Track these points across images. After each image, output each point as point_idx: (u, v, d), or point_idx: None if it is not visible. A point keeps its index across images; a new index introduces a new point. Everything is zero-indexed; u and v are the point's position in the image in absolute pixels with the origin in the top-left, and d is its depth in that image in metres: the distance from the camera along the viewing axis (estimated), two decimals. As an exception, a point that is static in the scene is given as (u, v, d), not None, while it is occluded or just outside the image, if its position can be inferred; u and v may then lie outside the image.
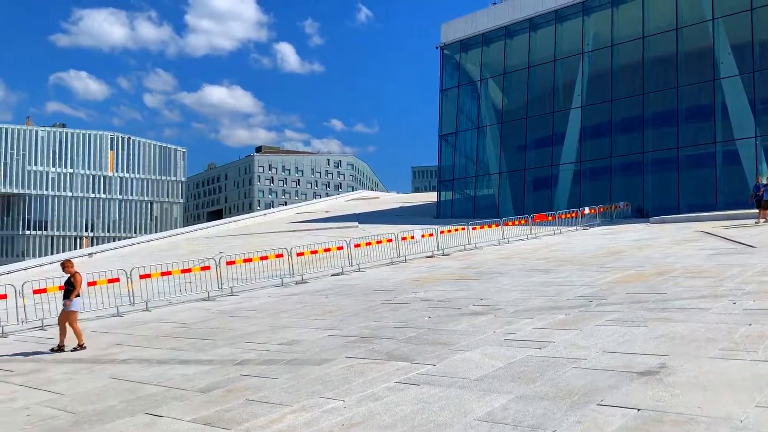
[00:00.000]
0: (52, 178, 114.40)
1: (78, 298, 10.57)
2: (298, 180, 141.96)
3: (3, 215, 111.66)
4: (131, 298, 14.77)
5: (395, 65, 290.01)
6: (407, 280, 15.43)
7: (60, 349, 10.28)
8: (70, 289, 10.51)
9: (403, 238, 20.67)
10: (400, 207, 50.52)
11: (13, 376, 8.64)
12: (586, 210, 28.24)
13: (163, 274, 15.56)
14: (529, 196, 38.08)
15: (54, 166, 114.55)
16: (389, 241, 20.29)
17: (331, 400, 5.89)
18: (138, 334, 11.36)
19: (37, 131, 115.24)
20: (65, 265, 10.86)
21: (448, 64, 43.40)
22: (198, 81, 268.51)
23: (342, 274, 18.30)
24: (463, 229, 22.59)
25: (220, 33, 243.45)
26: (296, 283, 17.14)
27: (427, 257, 20.60)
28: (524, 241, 23.31)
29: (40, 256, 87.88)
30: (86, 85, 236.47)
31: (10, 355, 10.26)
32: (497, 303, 10.64)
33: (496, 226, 23.95)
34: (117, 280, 14.92)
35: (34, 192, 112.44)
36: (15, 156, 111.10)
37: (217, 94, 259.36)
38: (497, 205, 38.83)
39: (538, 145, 39.24)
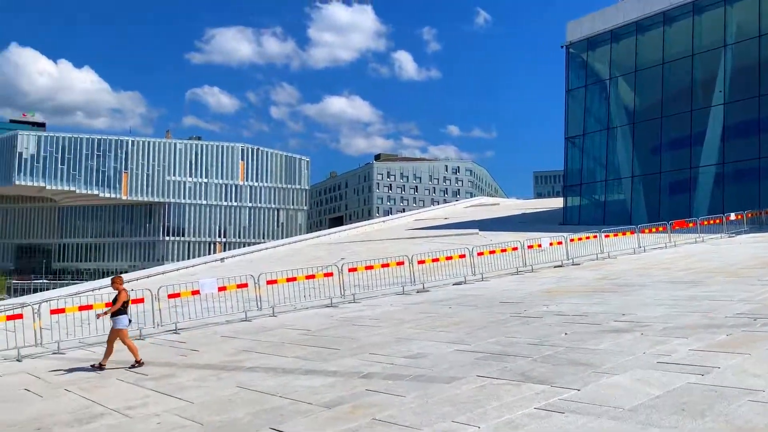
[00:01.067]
0: (189, 188, 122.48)
1: (124, 315, 10.06)
2: (416, 187, 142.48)
3: (145, 222, 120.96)
4: (258, 303, 15.02)
5: (515, 68, 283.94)
6: (536, 292, 14.57)
7: (101, 367, 9.86)
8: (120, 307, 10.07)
9: (530, 247, 19.72)
10: (522, 213, 48.97)
11: (147, 380, 8.85)
12: (732, 215, 25.71)
13: (288, 280, 15.74)
14: (665, 201, 35.43)
15: (190, 176, 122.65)
16: (514, 249, 19.41)
17: (464, 425, 5.38)
18: (265, 341, 11.42)
19: (175, 144, 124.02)
20: (114, 281, 10.57)
21: (575, 63, 41.50)
22: (320, 92, 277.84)
23: (464, 283, 17.71)
24: (594, 236, 21.21)
25: (340, 45, 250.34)
26: (417, 292, 16.76)
27: (555, 267, 19.52)
28: (662, 250, 21.54)
29: (177, 260, 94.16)
30: (218, 99, 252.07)
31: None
32: (642, 319, 9.62)
33: (631, 233, 22.30)
34: (245, 285, 15.24)
35: (172, 200, 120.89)
36: (156, 167, 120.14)
37: (338, 105, 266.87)
38: (629, 211, 36.45)
39: (674, 146, 36.45)
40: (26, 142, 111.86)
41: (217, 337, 12.49)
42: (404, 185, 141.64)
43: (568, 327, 9.57)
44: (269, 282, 15.27)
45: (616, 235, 21.91)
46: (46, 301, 13.22)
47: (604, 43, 39.47)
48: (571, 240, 20.56)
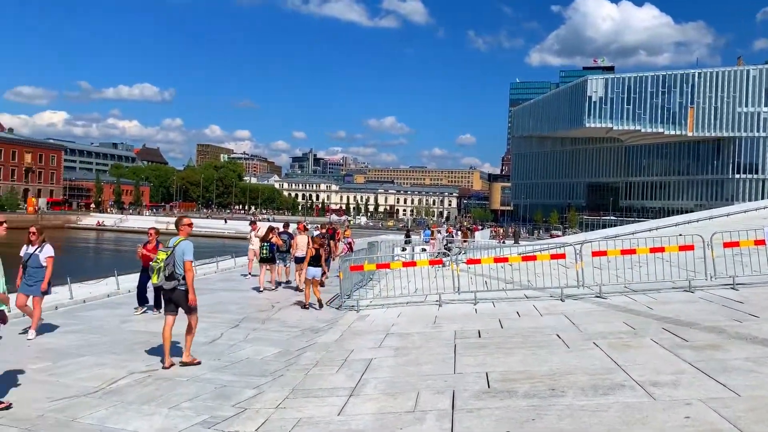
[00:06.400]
0: (764, 119, 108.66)
1: (314, 267, 12.22)
2: None
3: (713, 159, 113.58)
4: None
5: None
6: None
7: (310, 305, 12.41)
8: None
9: None
10: None
11: (686, 347, 7.36)
12: None
13: None
14: None
15: (766, 105, 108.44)
16: None
17: None
18: None
19: (748, 71, 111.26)
20: (313, 240, 12.88)
21: None
22: None
23: None
24: None
25: None
26: None
27: None
28: None
29: (748, 200, 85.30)
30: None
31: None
32: None
33: None
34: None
35: (744, 134, 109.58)
36: (725, 99, 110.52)
37: None
38: None
39: None
40: (595, 86, 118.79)
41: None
42: None
43: None
44: None
45: None
46: (588, 242, 12.99)
47: None
48: None
